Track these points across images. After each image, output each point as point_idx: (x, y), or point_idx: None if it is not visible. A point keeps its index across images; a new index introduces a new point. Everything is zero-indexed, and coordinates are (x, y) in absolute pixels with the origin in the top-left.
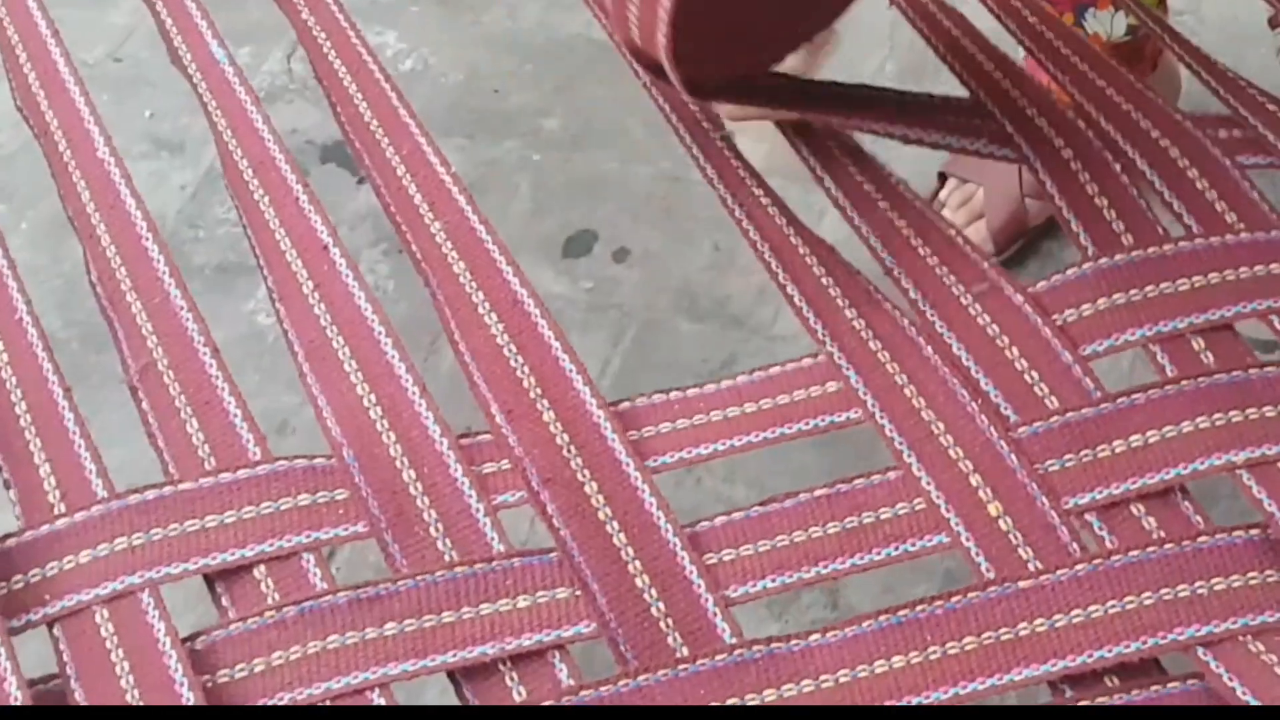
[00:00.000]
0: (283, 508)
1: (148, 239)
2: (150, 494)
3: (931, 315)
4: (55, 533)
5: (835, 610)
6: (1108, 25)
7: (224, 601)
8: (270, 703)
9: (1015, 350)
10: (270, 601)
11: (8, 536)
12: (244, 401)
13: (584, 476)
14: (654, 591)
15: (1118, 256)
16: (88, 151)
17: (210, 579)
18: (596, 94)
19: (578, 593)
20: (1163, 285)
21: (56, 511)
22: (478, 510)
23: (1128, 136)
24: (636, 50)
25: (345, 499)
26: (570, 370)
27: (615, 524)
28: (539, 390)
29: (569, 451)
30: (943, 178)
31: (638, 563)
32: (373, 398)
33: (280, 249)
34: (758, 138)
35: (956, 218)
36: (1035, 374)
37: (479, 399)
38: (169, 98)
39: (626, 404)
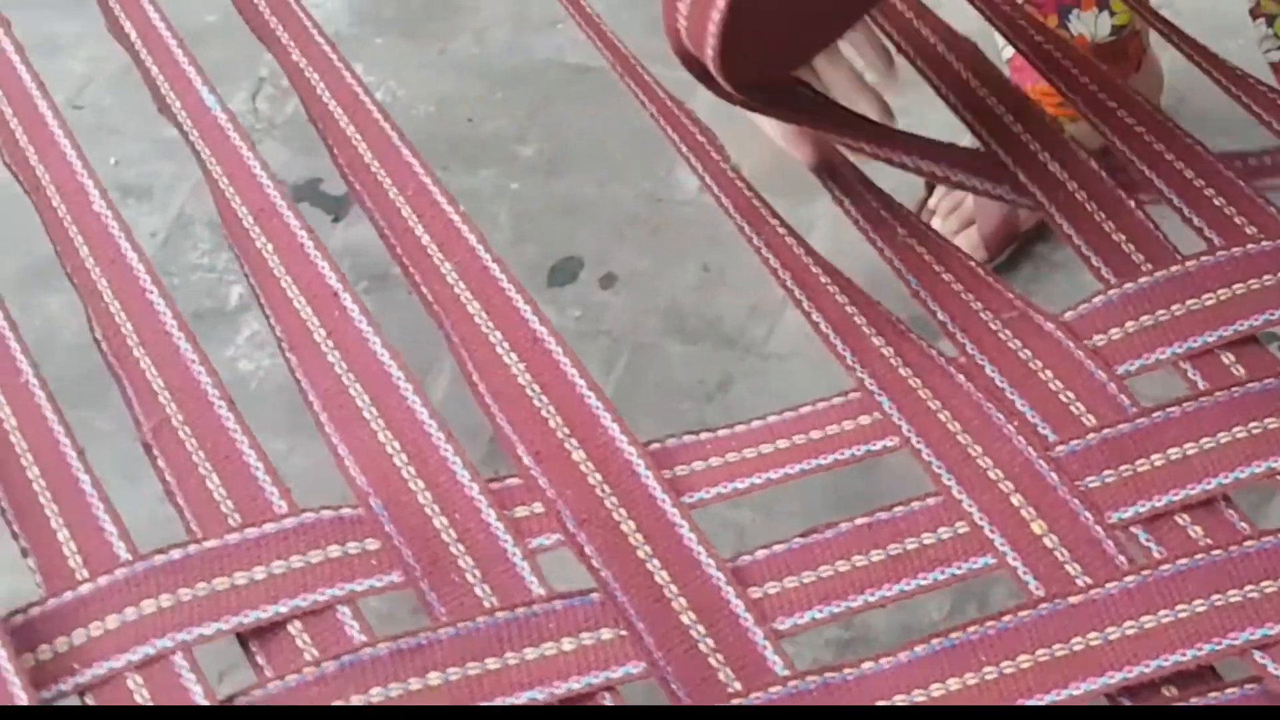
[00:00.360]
0: (313, 561)
1: (152, 292)
2: (176, 554)
3: (962, 338)
4: (80, 599)
5: (850, 629)
6: (1092, 26)
7: (259, 659)
8: None
9: (1049, 372)
10: (308, 657)
11: (31, 606)
12: (265, 454)
13: (620, 515)
14: (701, 628)
15: (1142, 280)
16: (83, 205)
17: (244, 637)
18: (572, 117)
19: (623, 633)
20: (1189, 302)
21: (79, 577)
22: (514, 554)
23: (1144, 159)
24: (684, 53)
25: (377, 549)
26: (598, 408)
27: (656, 562)
28: (566, 430)
29: (602, 491)
30: (930, 185)
31: (682, 599)
32: (396, 445)
33: (288, 297)
34: (740, 154)
35: (947, 225)
36: (1070, 394)
37: (504, 442)
38: (133, 144)
39: (657, 445)
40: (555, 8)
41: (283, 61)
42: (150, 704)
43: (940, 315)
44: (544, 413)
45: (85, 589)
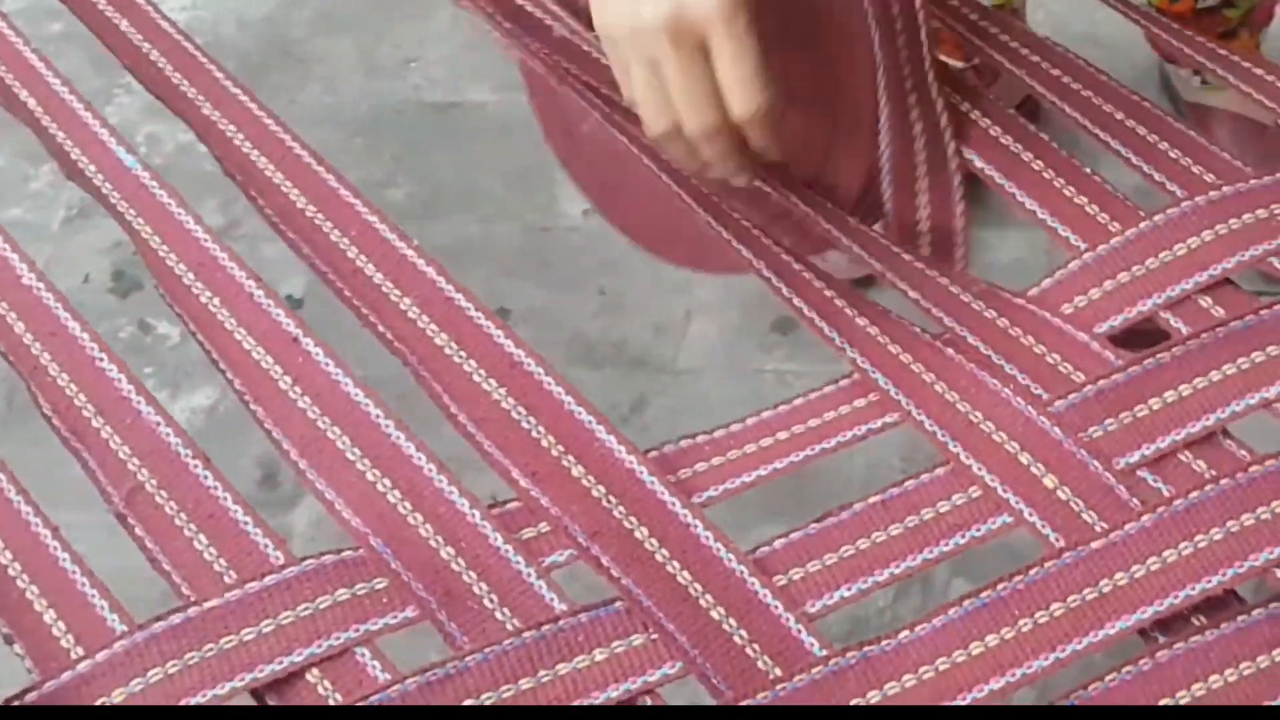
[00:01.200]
0: (322, 607)
1: (102, 359)
2: (176, 618)
3: (938, 313)
4: (81, 677)
5: None
6: None
7: None
8: None
9: (1031, 338)
10: (334, 703)
11: (27, 691)
12: (251, 508)
13: (631, 523)
14: (732, 621)
15: (1114, 240)
16: (13, 281)
17: (259, 693)
18: (439, 158)
19: (654, 637)
20: (1161, 255)
21: (74, 656)
22: (529, 575)
23: (1095, 121)
24: None
25: (386, 587)
26: (590, 422)
27: (676, 563)
28: (561, 448)
29: (609, 502)
30: None
31: (708, 596)
32: (387, 482)
33: (244, 349)
34: None
35: None
36: (1057, 355)
37: (497, 468)
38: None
39: (655, 452)
40: (406, 49)
41: (191, 117)
42: None
43: (911, 293)
44: (534, 434)
45: (84, 667)
